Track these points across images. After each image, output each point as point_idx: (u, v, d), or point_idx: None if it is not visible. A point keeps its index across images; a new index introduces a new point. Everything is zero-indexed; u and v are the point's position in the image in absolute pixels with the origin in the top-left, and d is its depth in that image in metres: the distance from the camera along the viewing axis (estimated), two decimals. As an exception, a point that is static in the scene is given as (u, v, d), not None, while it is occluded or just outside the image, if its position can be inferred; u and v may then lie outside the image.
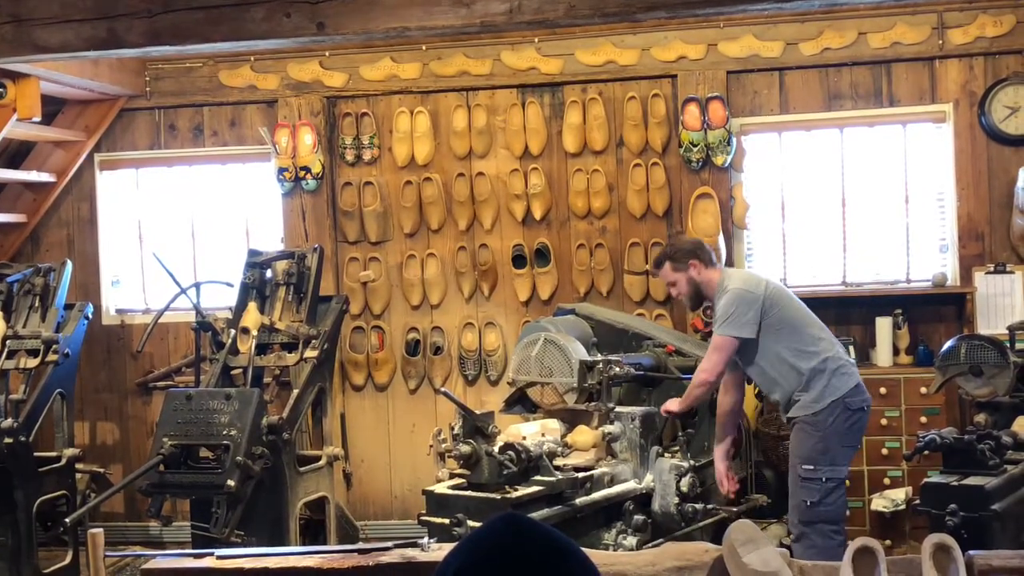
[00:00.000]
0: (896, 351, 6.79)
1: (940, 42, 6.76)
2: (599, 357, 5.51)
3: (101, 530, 3.76)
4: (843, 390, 5.10)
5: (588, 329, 6.13)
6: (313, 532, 6.08)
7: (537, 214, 7.13)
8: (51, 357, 6.23)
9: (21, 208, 7.57)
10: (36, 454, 6.12)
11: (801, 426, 5.12)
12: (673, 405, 5.38)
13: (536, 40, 7.08)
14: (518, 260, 7.18)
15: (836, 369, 5.14)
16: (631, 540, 5.15)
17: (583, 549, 1.63)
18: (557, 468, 5.00)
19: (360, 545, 4.00)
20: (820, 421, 5.07)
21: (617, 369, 5.40)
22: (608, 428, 5.38)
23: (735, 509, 5.59)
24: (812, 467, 5.05)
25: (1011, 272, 6.77)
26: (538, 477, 4.91)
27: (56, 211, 7.71)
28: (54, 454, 6.26)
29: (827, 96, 6.98)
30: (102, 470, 7.03)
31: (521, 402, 5.78)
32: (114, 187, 7.78)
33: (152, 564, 3.86)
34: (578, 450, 5.37)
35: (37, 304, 6.47)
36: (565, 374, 5.47)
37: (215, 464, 5.46)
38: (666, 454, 5.48)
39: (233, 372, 5.99)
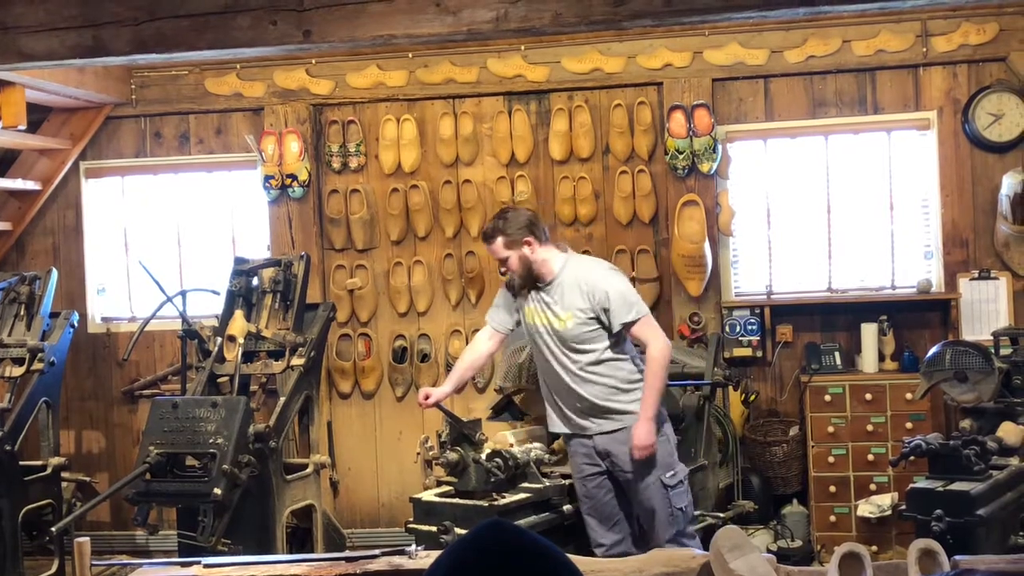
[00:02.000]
0: (881, 357, 6.81)
1: (924, 50, 6.80)
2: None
3: (87, 539, 3.75)
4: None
5: (575, 336, 6.13)
6: (300, 540, 6.06)
7: (524, 221, 7.12)
8: (36, 366, 6.20)
9: (6, 216, 7.54)
10: (21, 463, 6.09)
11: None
12: (644, 436, 4.80)
13: (522, 48, 7.09)
14: (505, 267, 7.18)
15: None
16: (618, 547, 5.15)
17: (570, 556, 1.64)
18: (544, 475, 5.00)
19: (347, 553, 3.99)
20: (662, 424, 4.93)
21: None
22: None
23: (722, 516, 5.60)
24: (673, 472, 4.91)
25: (995, 278, 6.80)
26: (525, 484, 4.92)
27: (41, 219, 7.68)
28: (40, 463, 6.23)
29: (812, 103, 7.01)
30: (88, 479, 7.00)
31: (508, 409, 5.78)
32: (100, 195, 7.75)
33: (139, 573, 3.85)
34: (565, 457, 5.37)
35: (22, 312, 6.45)
36: (552, 381, 5.46)
37: (201, 472, 5.44)
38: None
39: (219, 380, 5.98)
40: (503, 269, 5.03)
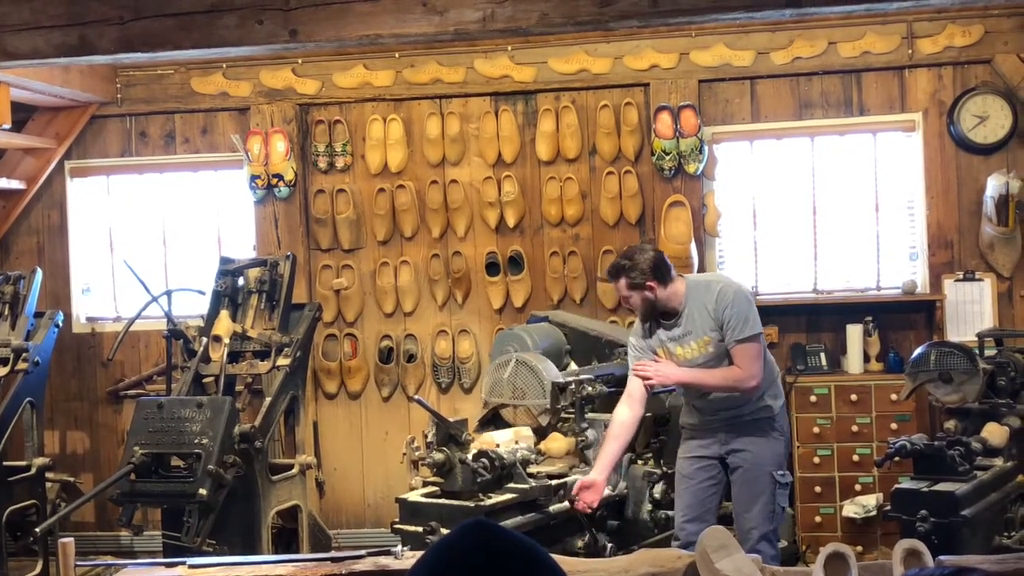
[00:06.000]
0: (867, 358, 6.83)
1: (909, 52, 6.82)
2: (572, 377, 5.48)
3: (72, 539, 3.74)
4: (783, 394, 5.12)
5: (562, 336, 6.14)
6: (285, 541, 6.05)
7: (510, 222, 7.13)
8: (21, 366, 6.19)
9: (-10, 215, 7.51)
10: (5, 463, 6.07)
11: (770, 434, 4.96)
12: (667, 371, 4.92)
13: (509, 48, 7.09)
14: (491, 267, 7.19)
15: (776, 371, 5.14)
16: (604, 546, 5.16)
17: (556, 556, 1.64)
18: (531, 475, 5.00)
19: (333, 553, 3.98)
20: (781, 424, 5.00)
21: (589, 389, 5.39)
22: (581, 435, 5.38)
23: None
24: (783, 472, 4.98)
25: (980, 280, 6.83)
26: (512, 484, 4.91)
27: (26, 219, 7.65)
28: (24, 463, 6.21)
29: (798, 105, 7.03)
30: (72, 479, 6.98)
31: (494, 422, 5.77)
32: (85, 194, 7.73)
33: (124, 573, 3.84)
34: (552, 457, 5.38)
35: (7, 312, 6.43)
36: (537, 396, 5.45)
37: (187, 473, 5.43)
38: (639, 461, 5.50)
39: (205, 380, 5.96)
40: (625, 303, 5.04)
